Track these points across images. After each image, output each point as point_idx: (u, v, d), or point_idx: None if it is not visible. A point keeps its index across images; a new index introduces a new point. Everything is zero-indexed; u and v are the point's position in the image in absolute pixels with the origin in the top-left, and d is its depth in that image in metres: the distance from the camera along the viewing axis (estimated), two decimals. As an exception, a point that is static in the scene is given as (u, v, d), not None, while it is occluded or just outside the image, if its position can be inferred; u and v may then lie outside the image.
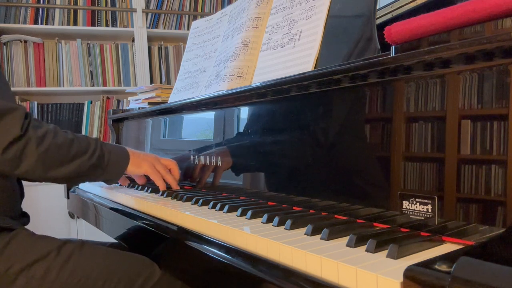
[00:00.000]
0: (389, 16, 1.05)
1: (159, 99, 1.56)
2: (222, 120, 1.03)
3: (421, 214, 0.56)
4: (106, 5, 2.72)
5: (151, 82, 2.79)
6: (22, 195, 1.01)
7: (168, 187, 1.09)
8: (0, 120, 0.80)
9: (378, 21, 0.97)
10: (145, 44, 2.76)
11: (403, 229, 0.58)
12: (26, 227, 0.94)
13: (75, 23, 2.65)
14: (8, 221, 0.87)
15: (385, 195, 0.62)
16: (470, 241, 0.51)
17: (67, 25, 2.64)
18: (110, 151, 0.96)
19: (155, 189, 1.10)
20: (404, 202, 0.58)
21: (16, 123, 0.81)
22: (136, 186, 1.21)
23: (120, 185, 1.26)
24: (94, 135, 2.67)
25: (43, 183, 0.87)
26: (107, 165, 0.94)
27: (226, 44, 1.16)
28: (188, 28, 2.51)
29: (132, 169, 1.02)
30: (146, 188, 1.15)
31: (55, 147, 0.86)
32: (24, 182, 1.02)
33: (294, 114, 0.80)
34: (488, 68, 0.50)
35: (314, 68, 0.83)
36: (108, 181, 1.02)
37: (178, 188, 1.09)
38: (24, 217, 0.99)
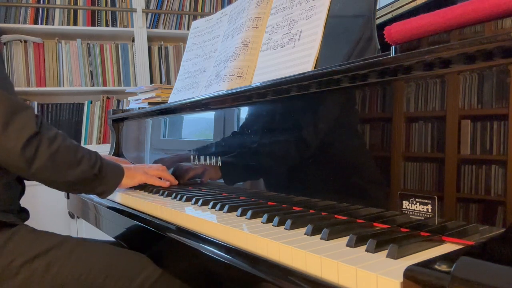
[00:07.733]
0: (389, 16, 1.05)
1: (159, 99, 1.56)
2: (222, 120, 1.03)
3: (421, 214, 0.56)
4: (106, 5, 2.72)
5: (151, 82, 2.79)
6: (22, 192, 1.01)
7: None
8: (16, 115, 0.81)
9: (378, 21, 0.97)
10: (145, 44, 2.76)
11: (403, 229, 0.58)
12: (26, 223, 0.94)
13: (75, 23, 2.65)
14: (11, 217, 0.88)
15: (385, 195, 0.62)
16: (470, 241, 0.51)
17: (67, 25, 2.63)
18: (108, 164, 0.99)
19: (155, 189, 1.10)
20: (404, 202, 0.58)
21: (31, 120, 0.83)
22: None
23: None
24: (94, 135, 2.67)
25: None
26: (105, 176, 0.97)
27: (226, 44, 1.16)
28: (188, 28, 2.51)
29: (127, 182, 1.07)
30: (146, 188, 1.15)
31: (64, 149, 0.88)
32: (26, 182, 1.02)
33: (294, 114, 0.80)
34: (488, 68, 0.50)
35: (314, 68, 0.83)
36: (103, 193, 1.01)
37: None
38: (24, 213, 1.00)
